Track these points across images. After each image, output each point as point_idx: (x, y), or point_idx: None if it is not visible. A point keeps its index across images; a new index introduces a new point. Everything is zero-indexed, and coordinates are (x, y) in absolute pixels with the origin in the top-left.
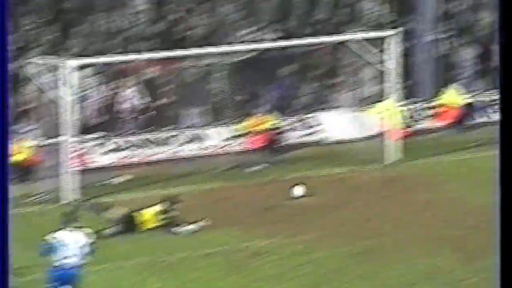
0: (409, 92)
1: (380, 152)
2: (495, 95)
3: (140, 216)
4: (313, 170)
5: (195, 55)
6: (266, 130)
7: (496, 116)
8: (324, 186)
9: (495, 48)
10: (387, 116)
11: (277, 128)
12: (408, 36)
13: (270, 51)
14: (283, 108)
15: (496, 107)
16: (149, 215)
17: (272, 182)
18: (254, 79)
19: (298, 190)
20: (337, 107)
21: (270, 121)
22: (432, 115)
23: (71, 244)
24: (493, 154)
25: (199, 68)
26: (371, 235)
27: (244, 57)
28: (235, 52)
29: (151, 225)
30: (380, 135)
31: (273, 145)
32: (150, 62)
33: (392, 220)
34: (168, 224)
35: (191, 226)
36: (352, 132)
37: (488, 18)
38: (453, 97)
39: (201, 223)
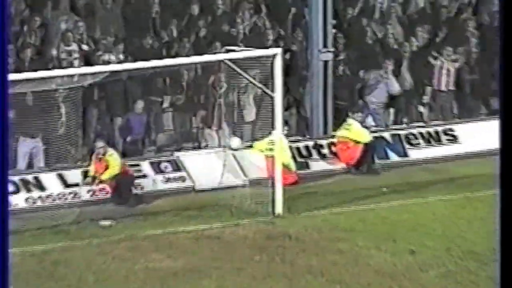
0: (300, 125)
1: (264, 202)
2: (411, 129)
3: None
4: (177, 225)
5: (24, 80)
6: (118, 174)
7: (415, 154)
8: (191, 246)
9: (413, 68)
10: (274, 155)
11: (131, 171)
12: (296, 55)
13: (122, 74)
14: (139, 146)
15: (416, 142)
16: None
17: (124, 240)
18: (103, 109)
19: (236, 142)
20: (209, 145)
21: (120, 164)
22: (328, 154)
23: None
24: (408, 202)
25: (33, 96)
26: None
27: (90, 81)
28: (80, 75)
29: None
30: (264, 180)
31: (126, 193)
32: None
33: None
34: None
35: None
36: (228, 176)
37: (400, 35)
38: (355, 131)
39: None
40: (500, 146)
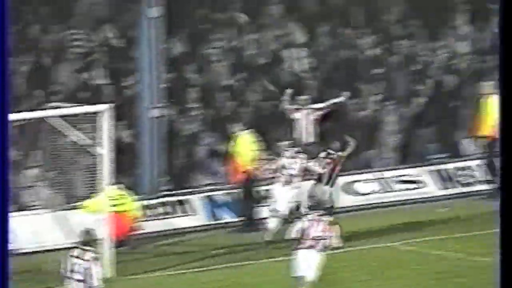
0: (131, 183)
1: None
2: None
3: None
4: None
5: None
6: None
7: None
8: None
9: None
10: (120, 209)
11: None
12: (129, 111)
13: None
14: None
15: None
16: None
17: None
18: None
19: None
20: (31, 207)
21: None
22: (160, 215)
23: None
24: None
25: None
26: None
27: None
28: None
29: None
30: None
31: None
32: None
33: None
34: None
35: None
36: (55, 238)
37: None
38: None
39: None
40: (500, 147)
